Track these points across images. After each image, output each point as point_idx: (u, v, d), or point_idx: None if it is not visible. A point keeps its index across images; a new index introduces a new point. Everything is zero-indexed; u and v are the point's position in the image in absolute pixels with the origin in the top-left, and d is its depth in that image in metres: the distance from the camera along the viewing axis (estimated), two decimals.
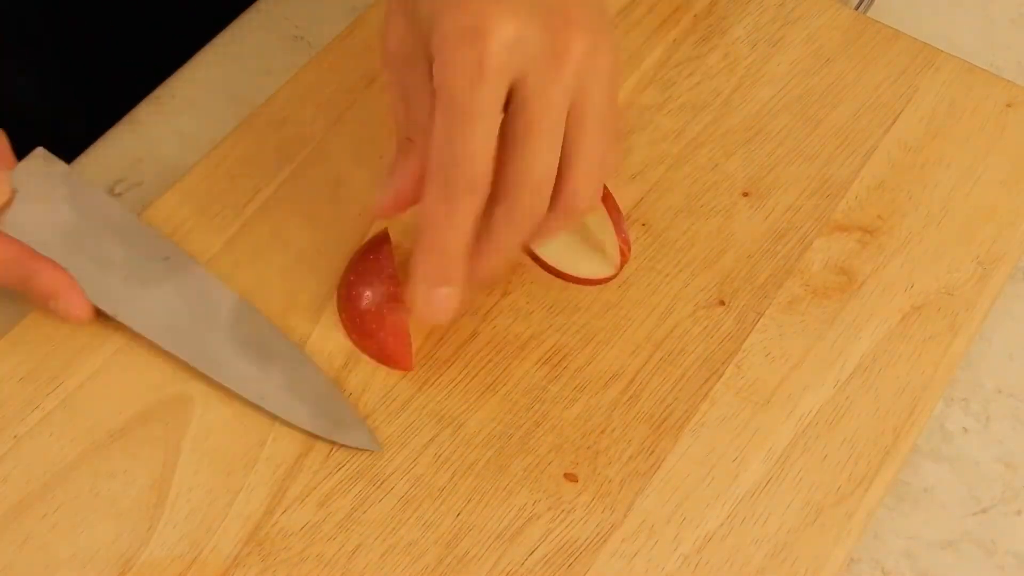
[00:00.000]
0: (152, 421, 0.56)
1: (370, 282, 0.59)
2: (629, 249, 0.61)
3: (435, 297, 0.53)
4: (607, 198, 0.61)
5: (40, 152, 0.61)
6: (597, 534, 0.55)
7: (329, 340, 0.59)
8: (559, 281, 0.62)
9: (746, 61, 0.71)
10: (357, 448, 0.56)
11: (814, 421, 0.59)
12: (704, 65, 0.70)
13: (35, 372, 0.57)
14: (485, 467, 0.56)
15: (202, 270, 0.60)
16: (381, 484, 0.55)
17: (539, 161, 0.52)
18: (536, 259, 0.62)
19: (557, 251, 0.62)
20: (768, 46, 0.72)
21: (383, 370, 0.58)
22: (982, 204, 0.66)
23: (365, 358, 0.59)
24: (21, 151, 0.61)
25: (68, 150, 0.66)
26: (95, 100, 0.66)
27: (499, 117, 0.51)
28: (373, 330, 0.58)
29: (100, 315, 0.58)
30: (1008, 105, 0.70)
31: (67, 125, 0.67)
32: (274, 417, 0.57)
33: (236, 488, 0.55)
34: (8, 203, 0.59)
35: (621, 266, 0.61)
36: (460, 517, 0.55)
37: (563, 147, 0.52)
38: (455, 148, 0.51)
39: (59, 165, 0.61)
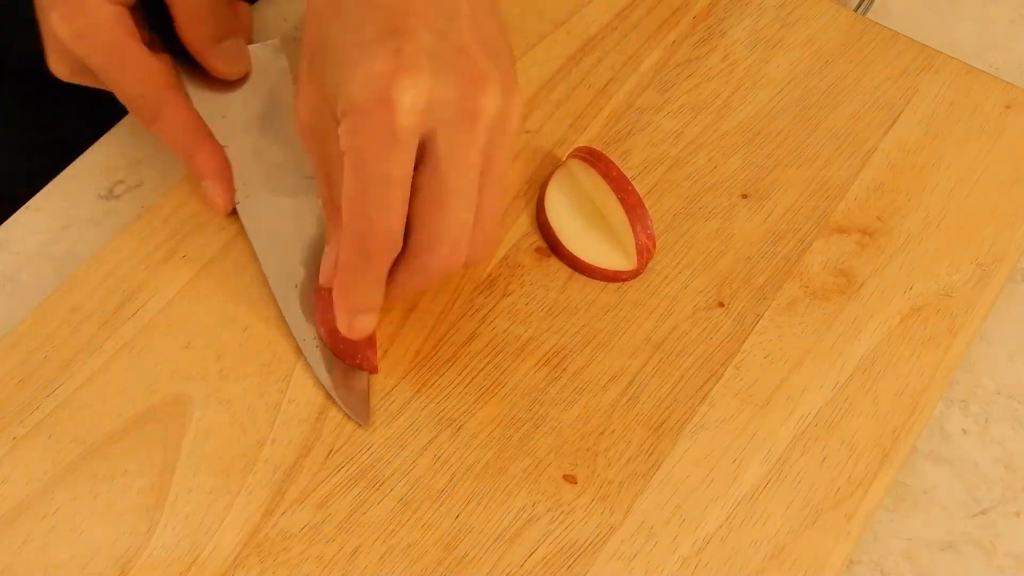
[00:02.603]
0: (151, 422, 0.56)
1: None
2: (654, 245, 0.61)
3: (357, 321, 0.56)
4: (633, 195, 0.61)
5: (274, 42, 0.65)
6: (596, 536, 0.55)
7: None
8: (558, 283, 0.62)
9: (745, 63, 0.71)
10: (348, 415, 0.57)
11: (813, 423, 0.59)
12: (703, 67, 0.71)
13: (34, 374, 0.57)
14: (484, 469, 0.56)
15: None
16: (380, 486, 0.56)
17: (455, 220, 0.52)
18: (557, 248, 0.62)
19: (580, 242, 0.62)
20: (767, 48, 0.72)
21: (381, 372, 0.58)
22: (981, 206, 0.66)
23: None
24: (18, 152, 0.61)
25: (67, 151, 0.66)
26: (94, 101, 0.66)
27: (410, 177, 0.52)
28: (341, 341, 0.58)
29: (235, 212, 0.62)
30: (1007, 107, 0.70)
31: (66, 126, 0.67)
32: (275, 416, 0.57)
33: (235, 490, 0.55)
34: (239, 85, 0.63)
35: (647, 262, 0.61)
36: (459, 519, 0.55)
37: None
38: (372, 213, 0.51)
39: (282, 60, 0.65)
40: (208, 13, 0.62)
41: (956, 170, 0.67)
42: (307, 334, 0.59)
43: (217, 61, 0.62)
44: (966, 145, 0.68)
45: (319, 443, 0.56)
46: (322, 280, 0.58)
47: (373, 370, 0.58)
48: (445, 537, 0.55)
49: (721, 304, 0.62)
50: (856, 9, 0.75)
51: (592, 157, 0.62)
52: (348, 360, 0.58)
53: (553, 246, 0.62)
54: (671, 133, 0.68)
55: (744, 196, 0.66)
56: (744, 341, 0.61)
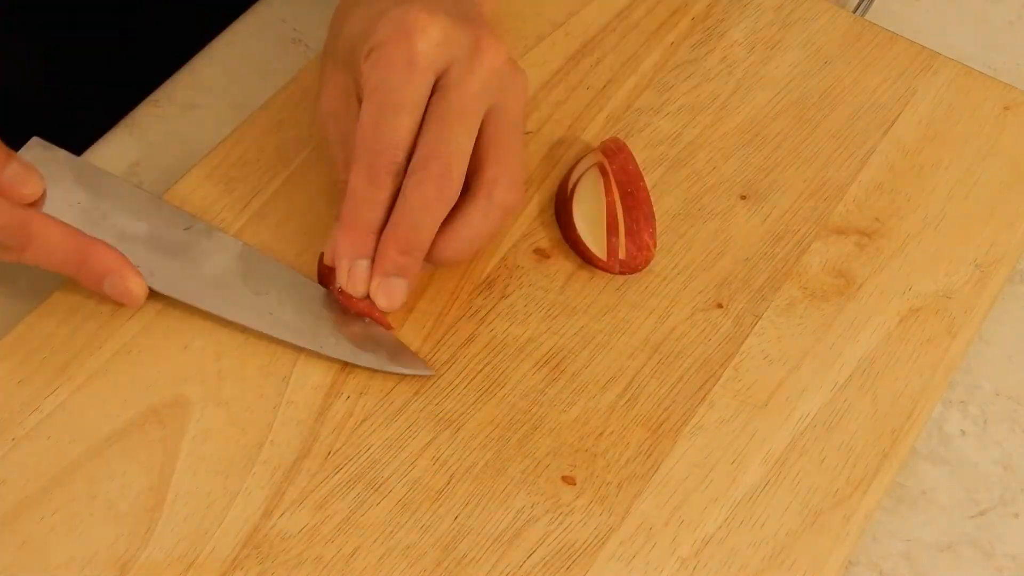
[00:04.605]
0: (150, 424, 0.56)
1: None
2: (655, 243, 0.62)
3: (356, 269, 0.57)
4: (642, 191, 0.62)
5: (36, 141, 0.61)
6: (595, 537, 0.55)
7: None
8: (557, 284, 0.62)
9: (744, 64, 0.71)
10: (416, 374, 0.58)
11: (812, 424, 0.59)
12: (702, 68, 0.71)
13: (33, 375, 0.57)
14: (483, 470, 0.56)
15: (224, 235, 0.61)
16: (379, 487, 0.55)
17: (452, 140, 0.56)
18: (570, 236, 0.62)
19: (593, 234, 0.62)
20: (766, 49, 0.72)
21: (380, 373, 0.58)
22: (980, 207, 0.66)
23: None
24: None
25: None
26: (93, 103, 0.66)
27: (423, 108, 0.56)
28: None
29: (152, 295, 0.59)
30: (1006, 108, 0.70)
31: (65, 128, 0.67)
32: (274, 417, 0.57)
33: (234, 491, 0.55)
34: (42, 199, 0.59)
35: (647, 261, 0.62)
36: (458, 520, 0.55)
37: (481, 143, 0.57)
38: (382, 135, 0.55)
39: (58, 151, 0.61)
40: None
41: (955, 171, 0.67)
42: (321, 338, 0.58)
43: (15, 187, 0.57)
44: (965, 146, 0.68)
45: (318, 444, 0.56)
46: (326, 259, 0.59)
47: (388, 326, 0.59)
48: (444, 538, 0.54)
49: (720, 305, 0.62)
50: (855, 10, 0.75)
51: (616, 147, 0.64)
52: (366, 311, 0.58)
53: (565, 227, 0.63)
54: (670, 134, 0.68)
55: (743, 197, 0.66)
56: (743, 342, 0.61)
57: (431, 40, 0.55)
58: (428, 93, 0.56)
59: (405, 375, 0.58)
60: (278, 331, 0.59)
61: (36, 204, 0.58)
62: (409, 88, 0.55)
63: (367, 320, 0.59)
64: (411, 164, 0.56)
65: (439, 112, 0.56)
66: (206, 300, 0.59)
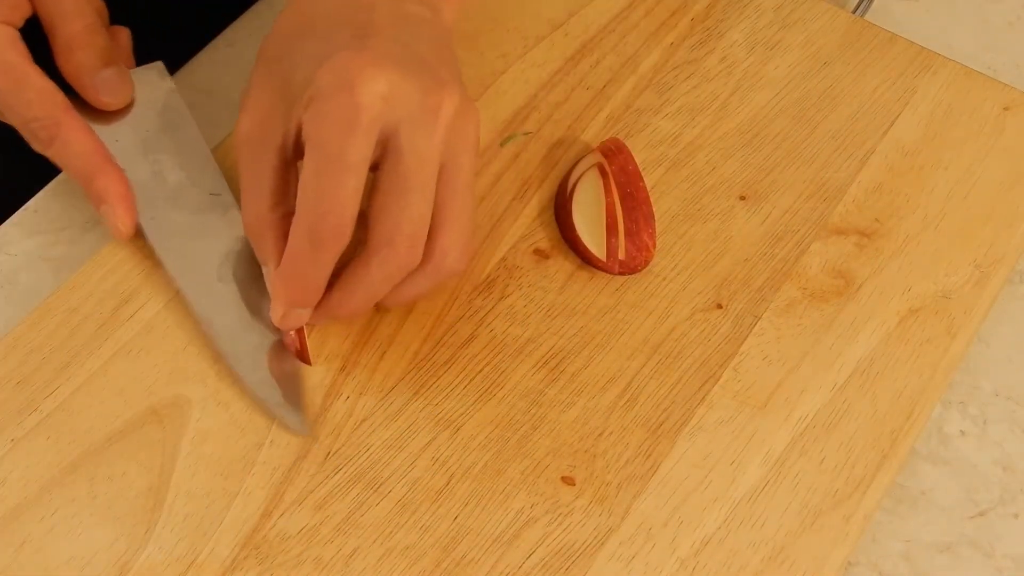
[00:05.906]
0: (149, 424, 0.56)
1: None
2: (654, 244, 0.62)
3: (290, 315, 0.56)
4: (642, 191, 0.62)
5: (159, 65, 0.65)
6: (594, 537, 0.55)
7: (327, 343, 0.59)
8: (556, 285, 0.62)
9: (743, 64, 0.71)
10: (288, 430, 0.56)
11: (811, 424, 0.59)
12: (701, 68, 0.71)
13: (32, 376, 0.57)
14: (483, 470, 0.56)
15: (239, 216, 0.60)
16: (378, 487, 0.56)
17: (414, 214, 0.54)
18: (569, 237, 0.62)
19: (592, 235, 0.62)
20: (765, 49, 0.72)
21: (380, 373, 0.58)
22: (979, 207, 0.66)
23: (363, 361, 0.59)
24: (13, 150, 0.61)
25: None
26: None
27: (368, 164, 0.53)
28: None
29: (138, 234, 0.60)
30: (1005, 108, 0.70)
31: None
32: (273, 418, 0.57)
33: (233, 491, 0.55)
34: (127, 109, 0.63)
35: (647, 261, 0.62)
36: (458, 520, 0.55)
37: (434, 203, 0.55)
38: (323, 196, 0.52)
39: (168, 83, 0.64)
40: (86, 42, 0.61)
41: (954, 172, 0.67)
42: (237, 348, 0.58)
43: (97, 91, 0.61)
44: (964, 147, 0.68)
45: (317, 445, 0.56)
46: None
47: (307, 361, 0.58)
48: (443, 539, 0.55)
49: (719, 306, 0.62)
50: (854, 11, 0.75)
51: (615, 148, 0.64)
52: (290, 345, 0.58)
53: (565, 228, 0.63)
54: (669, 135, 0.68)
55: (742, 198, 0.66)
56: (742, 343, 0.61)
57: (375, 94, 0.52)
58: (371, 151, 0.53)
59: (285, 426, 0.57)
60: (210, 326, 0.58)
61: (118, 112, 0.62)
62: (352, 149, 0.52)
63: (290, 357, 0.58)
64: (374, 237, 0.54)
65: (396, 183, 0.53)
66: (175, 263, 0.59)
